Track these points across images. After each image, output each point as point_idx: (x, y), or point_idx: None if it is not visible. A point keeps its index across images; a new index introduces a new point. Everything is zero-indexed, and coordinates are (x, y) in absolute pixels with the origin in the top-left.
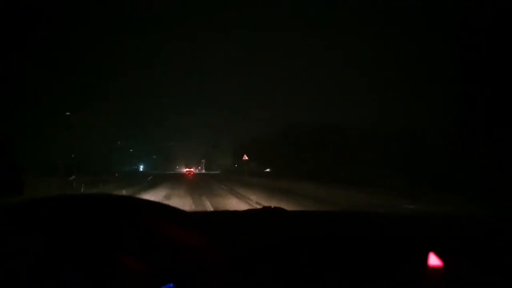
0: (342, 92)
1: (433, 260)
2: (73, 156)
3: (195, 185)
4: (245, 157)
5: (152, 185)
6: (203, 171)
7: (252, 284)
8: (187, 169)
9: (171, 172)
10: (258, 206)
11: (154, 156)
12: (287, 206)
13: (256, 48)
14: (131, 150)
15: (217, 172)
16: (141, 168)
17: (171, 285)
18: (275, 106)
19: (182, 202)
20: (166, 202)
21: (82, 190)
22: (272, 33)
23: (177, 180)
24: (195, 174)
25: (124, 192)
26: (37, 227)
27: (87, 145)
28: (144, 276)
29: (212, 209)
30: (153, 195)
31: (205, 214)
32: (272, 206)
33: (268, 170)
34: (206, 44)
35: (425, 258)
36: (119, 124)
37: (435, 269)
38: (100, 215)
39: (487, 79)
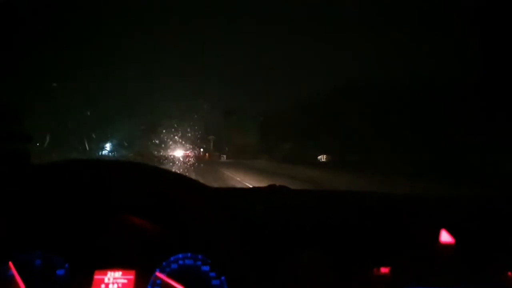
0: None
1: (445, 237)
2: None
3: None
4: None
5: None
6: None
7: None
8: (185, 152)
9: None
10: None
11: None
12: None
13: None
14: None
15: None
16: (108, 148)
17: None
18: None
19: None
20: None
21: None
22: None
23: None
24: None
25: None
26: (57, 189)
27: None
28: (161, 241)
29: None
30: None
31: (220, 190)
32: (277, 184)
33: (323, 158)
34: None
35: (437, 235)
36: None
37: (446, 245)
38: (123, 179)
39: None
